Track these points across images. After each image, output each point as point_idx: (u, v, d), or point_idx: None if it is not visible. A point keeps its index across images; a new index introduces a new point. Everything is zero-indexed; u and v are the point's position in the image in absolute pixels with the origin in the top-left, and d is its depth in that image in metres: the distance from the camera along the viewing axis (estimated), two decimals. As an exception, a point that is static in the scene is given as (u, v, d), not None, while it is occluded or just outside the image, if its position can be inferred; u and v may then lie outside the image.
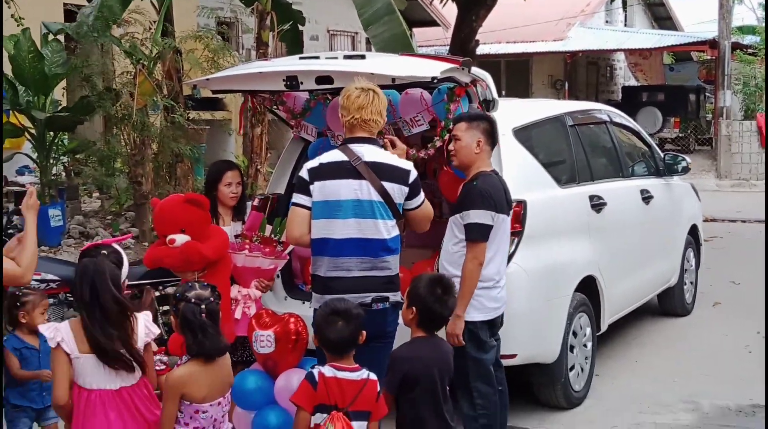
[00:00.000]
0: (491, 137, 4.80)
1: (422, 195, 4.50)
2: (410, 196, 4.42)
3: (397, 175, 4.38)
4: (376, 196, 4.33)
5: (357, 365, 3.77)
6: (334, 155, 4.44)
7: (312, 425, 3.68)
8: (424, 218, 4.56)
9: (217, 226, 5.22)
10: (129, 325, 3.65)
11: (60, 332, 3.59)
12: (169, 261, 4.91)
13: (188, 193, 5.32)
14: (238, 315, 5.10)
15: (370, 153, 4.39)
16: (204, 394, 3.69)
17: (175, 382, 3.70)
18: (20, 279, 3.95)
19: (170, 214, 4.93)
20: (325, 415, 3.66)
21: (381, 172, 4.35)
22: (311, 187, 4.39)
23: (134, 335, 3.66)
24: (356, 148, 4.39)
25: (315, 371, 3.74)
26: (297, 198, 4.46)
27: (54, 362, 3.61)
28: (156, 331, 3.78)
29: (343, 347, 3.75)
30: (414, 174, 4.44)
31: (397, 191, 4.37)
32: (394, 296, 4.41)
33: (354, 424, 3.67)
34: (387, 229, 4.36)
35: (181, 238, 4.86)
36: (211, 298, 3.75)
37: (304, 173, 4.46)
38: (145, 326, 3.72)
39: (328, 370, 3.72)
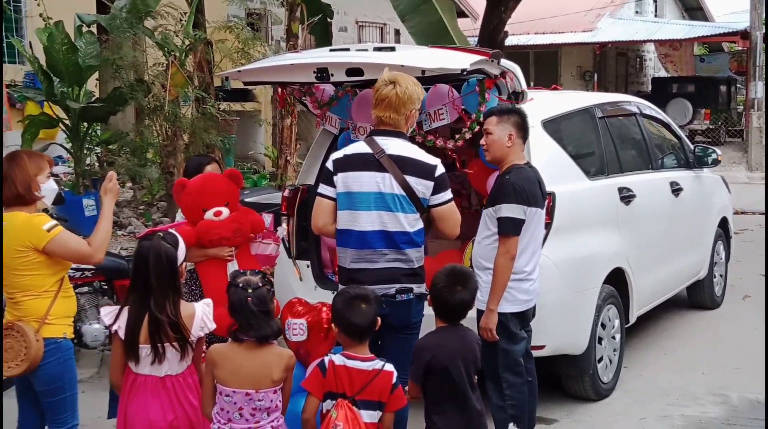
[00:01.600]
0: (522, 130, 4.80)
1: (449, 193, 4.44)
2: (435, 191, 4.38)
3: (421, 169, 4.36)
4: (398, 190, 4.33)
5: (371, 355, 3.80)
6: (359, 147, 4.47)
7: (324, 411, 3.74)
8: (450, 218, 4.44)
9: (245, 207, 5.31)
10: (179, 310, 3.73)
11: (120, 320, 3.73)
12: (219, 232, 4.88)
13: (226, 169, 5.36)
14: None
15: (395, 146, 4.38)
16: (226, 376, 3.69)
17: (208, 358, 3.78)
18: (90, 258, 4.18)
19: (216, 187, 4.96)
20: (333, 402, 3.72)
21: (405, 166, 4.34)
22: (335, 178, 4.42)
23: (186, 323, 3.74)
24: (381, 140, 4.40)
25: (326, 359, 3.79)
26: (322, 188, 4.50)
27: (112, 346, 3.83)
28: (212, 326, 3.81)
29: (365, 331, 3.78)
30: (441, 169, 4.40)
31: (421, 186, 4.35)
32: (419, 288, 4.42)
33: (363, 413, 3.70)
34: (409, 222, 4.37)
35: (226, 211, 4.93)
36: (260, 284, 3.72)
37: (329, 164, 4.50)
38: (201, 319, 3.78)
39: (338, 359, 3.76)
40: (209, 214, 4.90)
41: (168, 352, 3.73)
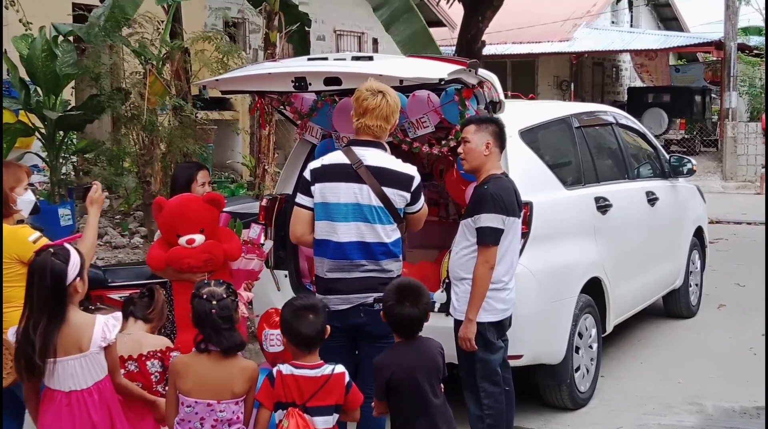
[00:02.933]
0: (500, 139, 4.81)
1: (422, 199, 4.52)
2: (412, 202, 4.44)
3: (399, 180, 4.38)
4: (376, 201, 4.34)
5: (320, 362, 3.79)
6: (337, 157, 4.47)
7: (277, 422, 3.74)
8: (420, 220, 4.59)
9: (226, 229, 5.26)
10: (56, 328, 3.57)
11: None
12: (190, 261, 4.83)
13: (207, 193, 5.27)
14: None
15: (372, 157, 4.39)
16: (189, 387, 3.68)
17: (171, 369, 3.77)
18: None
19: (192, 213, 4.85)
20: (284, 412, 3.72)
21: (382, 177, 4.35)
22: (312, 188, 4.43)
23: (81, 333, 3.60)
24: (359, 151, 4.40)
25: (274, 369, 3.79)
26: (299, 198, 4.50)
27: None
28: (112, 338, 3.66)
29: (312, 341, 3.77)
30: (417, 180, 4.44)
31: (398, 197, 4.37)
32: None
33: (317, 419, 3.70)
34: (387, 233, 4.38)
35: (199, 239, 4.86)
36: (224, 295, 3.72)
37: (307, 173, 4.50)
38: (102, 330, 3.65)
39: (285, 368, 3.76)
40: (182, 241, 4.84)
41: (63, 368, 3.61)
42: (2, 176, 4.17)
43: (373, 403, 3.99)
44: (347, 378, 3.79)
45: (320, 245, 4.44)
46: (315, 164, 4.51)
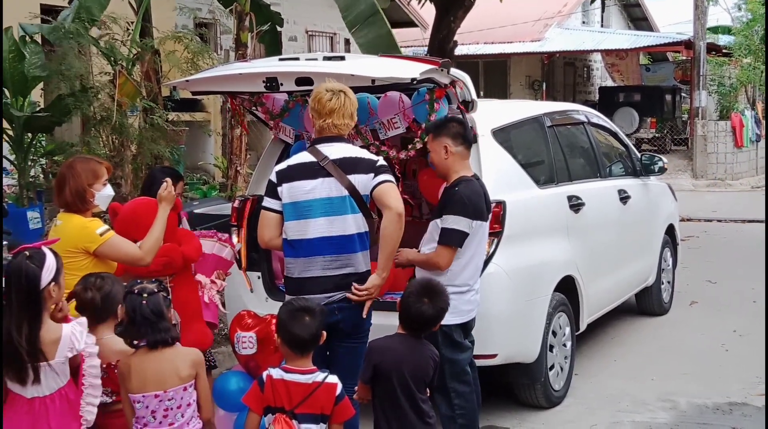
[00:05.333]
0: (460, 138, 4.79)
1: (389, 176, 4.36)
2: (375, 176, 4.35)
3: (364, 165, 4.37)
4: (344, 192, 4.34)
5: (312, 368, 3.76)
6: (302, 157, 4.46)
7: (267, 426, 3.71)
8: (391, 194, 4.29)
9: (185, 229, 5.21)
10: (38, 332, 3.55)
11: None
12: (147, 267, 4.77)
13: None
14: (205, 299, 5.12)
15: (337, 150, 4.40)
16: (134, 385, 3.71)
17: (119, 374, 3.78)
18: (140, 261, 4.41)
19: (147, 217, 4.73)
20: (272, 417, 3.69)
21: (347, 167, 4.36)
22: (279, 189, 4.41)
23: (50, 347, 3.57)
24: (324, 148, 4.40)
25: (265, 373, 3.77)
26: (266, 202, 4.48)
27: None
28: (81, 346, 3.63)
29: (306, 344, 3.75)
30: (381, 162, 4.42)
31: (364, 181, 4.34)
32: None
33: (303, 426, 3.68)
34: (357, 223, 4.37)
35: None
36: (155, 290, 3.75)
37: (272, 176, 4.48)
38: (70, 339, 3.61)
39: (276, 373, 3.74)
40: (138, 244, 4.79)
41: (28, 377, 3.57)
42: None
43: (355, 394, 3.99)
44: (339, 389, 3.74)
45: (292, 246, 4.41)
46: (280, 167, 4.50)
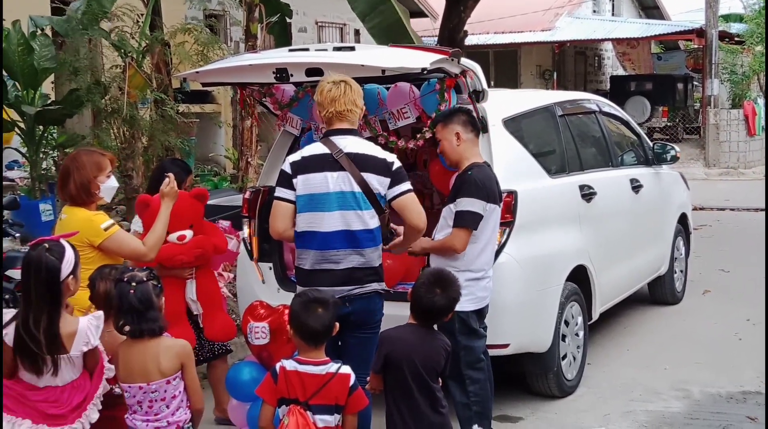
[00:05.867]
0: (470, 125, 4.83)
1: (408, 185, 4.41)
2: (392, 184, 4.36)
3: (378, 165, 4.36)
4: (356, 188, 4.33)
5: (326, 359, 3.77)
6: (316, 148, 4.44)
7: (281, 418, 3.71)
8: (412, 208, 4.38)
9: (209, 222, 5.24)
10: (58, 324, 3.58)
11: (11, 327, 3.63)
12: (182, 258, 4.84)
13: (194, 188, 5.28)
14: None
15: (351, 144, 4.39)
16: (121, 374, 3.74)
17: (114, 362, 3.79)
18: (144, 257, 4.44)
19: (180, 210, 4.82)
20: (287, 408, 3.69)
21: (362, 164, 4.34)
22: (294, 180, 4.38)
23: (68, 339, 3.59)
24: (338, 140, 4.39)
25: (278, 365, 3.77)
26: (280, 192, 4.44)
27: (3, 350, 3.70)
28: (95, 342, 3.65)
29: (320, 335, 3.76)
30: (396, 164, 4.41)
31: (377, 182, 4.34)
32: (379, 285, 4.44)
33: (318, 417, 3.68)
34: (369, 218, 4.36)
35: (189, 234, 4.86)
36: (144, 279, 3.73)
37: (286, 167, 4.45)
38: (85, 334, 3.63)
39: (289, 364, 3.75)
40: (173, 237, 4.84)
41: (45, 368, 3.61)
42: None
43: (367, 384, 3.99)
44: (353, 380, 3.75)
45: (304, 237, 4.40)
46: (294, 157, 4.47)
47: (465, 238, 4.69)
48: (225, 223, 5.39)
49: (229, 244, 5.20)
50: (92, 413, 3.67)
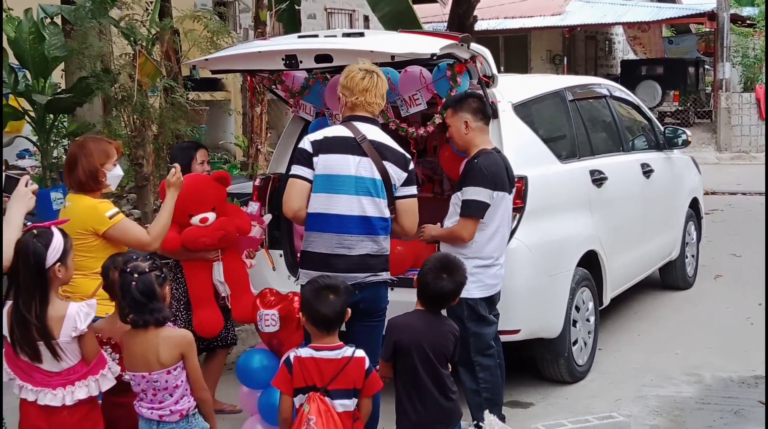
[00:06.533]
0: (480, 113, 4.81)
1: (415, 189, 4.46)
2: (406, 183, 4.39)
3: (398, 158, 4.37)
4: (377, 175, 4.31)
5: (340, 343, 3.76)
6: (339, 130, 4.41)
7: (297, 407, 3.72)
8: (412, 213, 4.43)
9: (231, 204, 5.27)
10: (46, 310, 3.60)
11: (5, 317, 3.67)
12: (205, 240, 4.87)
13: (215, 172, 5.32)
14: None
15: (372, 132, 4.39)
16: (126, 361, 3.76)
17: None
18: (148, 246, 4.37)
19: (203, 193, 4.88)
20: (306, 396, 3.69)
21: (383, 152, 4.34)
22: (315, 159, 4.33)
23: (56, 324, 3.61)
24: (360, 125, 4.38)
25: (291, 354, 3.76)
26: (298, 169, 4.36)
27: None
28: (83, 327, 3.65)
29: (332, 322, 3.75)
30: (412, 164, 4.46)
31: (396, 174, 4.35)
32: (388, 275, 4.44)
33: (336, 402, 3.69)
34: (384, 206, 4.35)
35: (212, 217, 4.90)
36: (147, 270, 3.71)
37: (306, 145, 4.38)
38: (74, 319, 3.64)
39: (305, 352, 3.74)
40: (195, 220, 4.88)
41: (43, 354, 3.63)
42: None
43: (377, 367, 3.98)
44: (368, 363, 3.76)
45: (317, 219, 4.33)
46: (316, 136, 4.41)
47: (472, 227, 4.68)
48: (254, 207, 5.39)
49: (253, 231, 5.20)
50: (78, 390, 3.67)
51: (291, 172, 4.43)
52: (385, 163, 4.32)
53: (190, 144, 5.77)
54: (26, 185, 3.91)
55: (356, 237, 4.30)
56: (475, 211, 4.67)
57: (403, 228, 4.45)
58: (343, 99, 4.47)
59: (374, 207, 4.32)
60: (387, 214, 4.36)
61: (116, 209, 4.36)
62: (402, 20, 9.08)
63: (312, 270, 4.32)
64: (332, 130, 4.47)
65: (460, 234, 4.70)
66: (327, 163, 4.32)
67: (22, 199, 3.88)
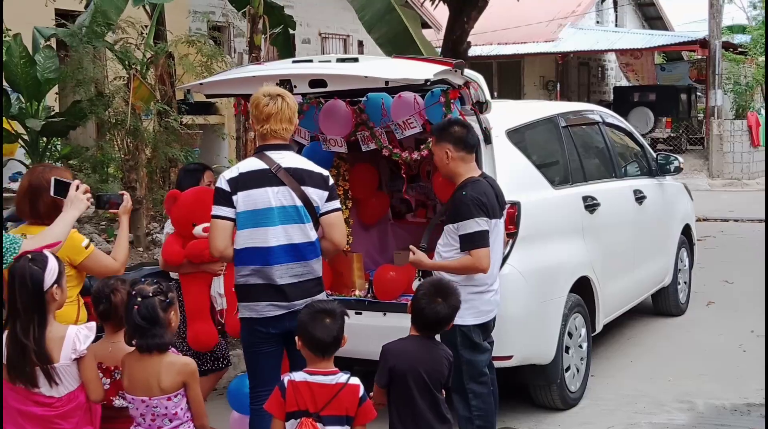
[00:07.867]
0: (462, 143, 4.76)
1: (338, 203, 4.46)
2: (328, 199, 4.38)
3: (316, 180, 4.36)
4: (298, 202, 4.30)
5: (335, 369, 3.75)
6: (253, 163, 4.38)
7: None
8: (340, 225, 4.44)
9: None
10: (44, 333, 3.60)
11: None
12: (209, 252, 4.81)
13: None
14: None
15: (287, 159, 4.36)
16: (126, 384, 3.76)
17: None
18: (117, 272, 4.37)
19: (206, 203, 4.78)
20: (297, 422, 3.67)
21: (301, 177, 4.33)
22: (234, 197, 4.32)
23: (55, 346, 3.61)
24: (274, 155, 4.35)
25: (285, 378, 3.74)
26: (218, 210, 4.34)
27: None
28: (82, 349, 3.65)
29: (328, 346, 3.73)
30: (331, 179, 4.45)
31: (317, 195, 4.34)
32: (322, 295, 4.41)
33: None
34: (310, 231, 4.34)
35: None
36: (150, 294, 3.70)
37: (223, 184, 4.35)
38: (73, 341, 3.64)
39: (298, 376, 3.72)
40: (198, 229, 4.89)
41: (39, 378, 3.62)
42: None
43: (371, 393, 3.95)
44: (362, 391, 3.73)
45: (245, 254, 4.32)
46: (231, 173, 4.39)
47: (486, 256, 4.66)
48: None
49: None
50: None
51: (212, 213, 4.39)
52: (303, 188, 4.31)
53: (198, 166, 5.77)
54: (77, 189, 4.14)
55: (285, 265, 4.29)
56: (480, 241, 4.65)
57: (333, 242, 4.41)
58: (253, 128, 4.47)
59: (300, 233, 4.31)
60: (314, 236, 4.35)
61: (88, 239, 4.36)
62: (399, 42, 9.10)
63: (249, 302, 4.33)
64: (246, 164, 4.44)
65: (480, 265, 4.64)
66: (247, 200, 4.31)
67: (77, 203, 4.11)
